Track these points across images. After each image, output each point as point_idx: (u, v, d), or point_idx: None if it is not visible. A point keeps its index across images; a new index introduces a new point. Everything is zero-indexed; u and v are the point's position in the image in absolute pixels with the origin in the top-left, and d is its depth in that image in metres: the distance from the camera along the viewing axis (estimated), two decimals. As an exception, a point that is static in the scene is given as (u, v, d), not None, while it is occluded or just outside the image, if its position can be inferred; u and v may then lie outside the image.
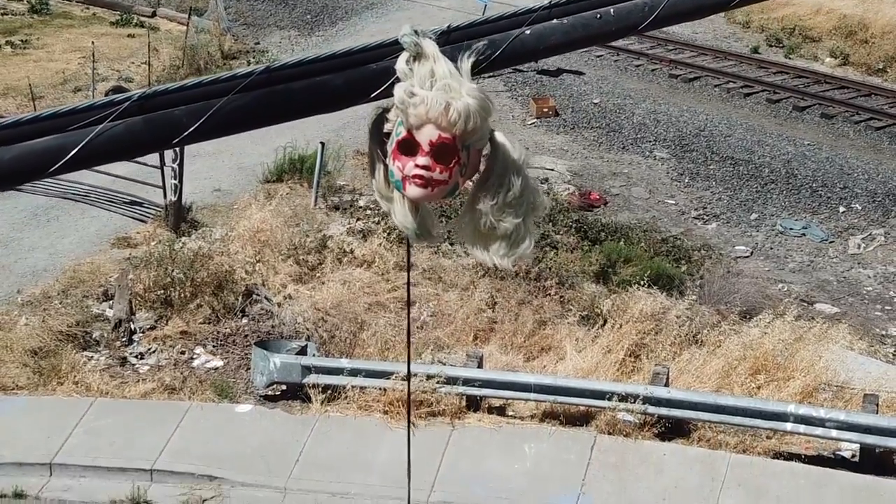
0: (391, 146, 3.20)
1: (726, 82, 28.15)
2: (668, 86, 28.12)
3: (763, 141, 25.09)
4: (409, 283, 5.35)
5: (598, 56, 29.35)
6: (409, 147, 3.14)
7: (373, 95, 3.10)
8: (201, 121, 2.77)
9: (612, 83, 28.08)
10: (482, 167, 3.26)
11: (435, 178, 3.14)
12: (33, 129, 2.76)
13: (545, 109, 26.39)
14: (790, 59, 30.00)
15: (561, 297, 18.46)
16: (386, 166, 3.24)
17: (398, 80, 3.09)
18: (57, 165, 2.72)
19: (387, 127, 3.23)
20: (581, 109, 26.67)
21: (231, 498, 14.07)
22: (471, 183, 3.29)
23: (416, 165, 3.13)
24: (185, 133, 2.78)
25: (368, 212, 21.23)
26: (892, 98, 27.20)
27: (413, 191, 3.18)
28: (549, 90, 27.66)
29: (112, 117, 2.74)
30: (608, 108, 26.72)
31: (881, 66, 29.07)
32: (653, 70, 28.96)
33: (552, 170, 23.70)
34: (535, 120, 26.30)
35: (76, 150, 2.70)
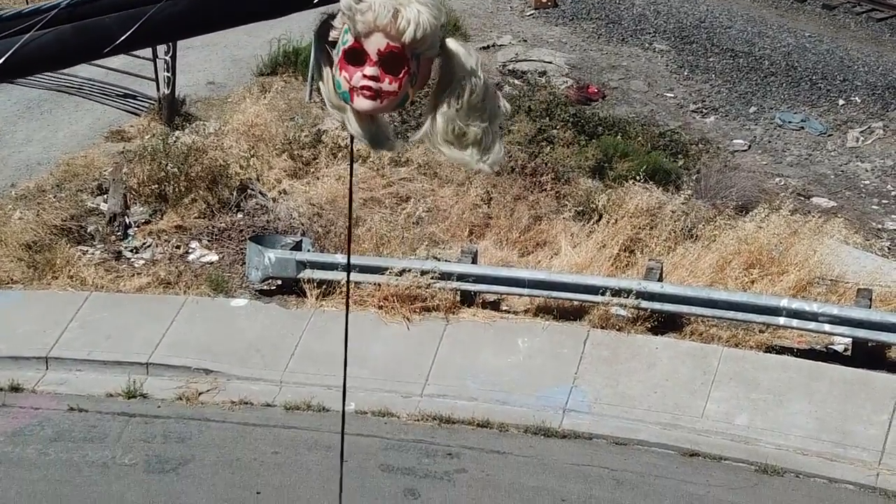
0: (337, 55, 3.08)
1: (728, -27, 27.70)
2: (668, -24, 27.68)
3: (763, 32, 24.76)
4: (350, 185, 5.24)
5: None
6: (356, 56, 3.03)
7: (316, 1, 2.97)
8: (133, 29, 2.65)
9: (612, -27, 27.63)
10: (434, 76, 3.16)
11: (384, 89, 3.04)
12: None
13: (544, 0, 26.00)
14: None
15: (557, 192, 18.39)
16: (333, 76, 3.14)
17: None
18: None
19: (332, 35, 3.11)
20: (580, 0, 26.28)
21: (227, 391, 14.19)
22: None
23: (364, 76, 3.03)
24: (117, 42, 2.66)
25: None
26: (896, -11, 26.78)
27: (361, 103, 3.08)
28: (548, -20, 27.21)
29: (40, 25, 2.62)
30: (608, -1, 26.34)
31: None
32: (653, -40, 28.47)
33: (550, 62, 23.42)
34: (534, 11, 25.92)
35: (3, 59, 2.59)
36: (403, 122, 17.94)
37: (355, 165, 18.84)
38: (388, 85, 3.03)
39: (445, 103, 3.16)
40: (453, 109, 3.15)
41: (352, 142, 3.51)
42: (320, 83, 3.26)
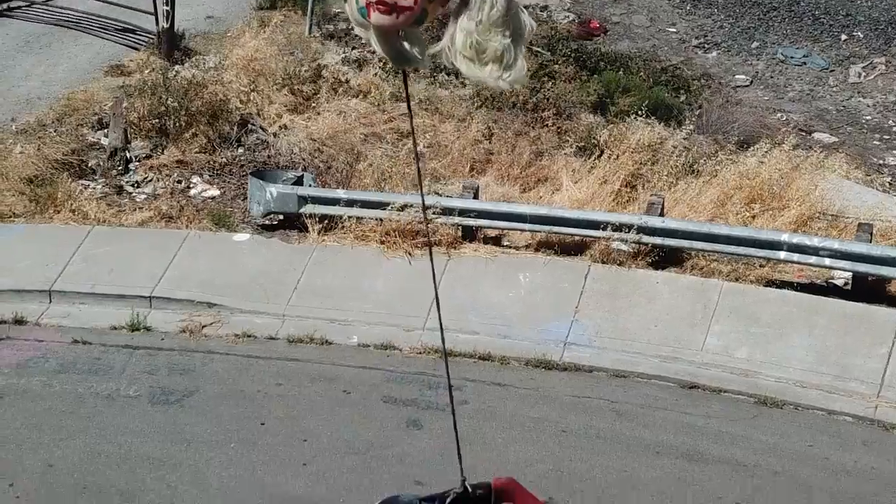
0: None
1: None
2: None
3: (766, -33, 24.58)
4: (409, 107, 5.19)
5: None
6: None
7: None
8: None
9: None
10: None
11: (400, 3, 3.02)
12: None
13: (545, -65, 25.72)
14: None
15: (558, 127, 18.37)
16: None
17: None
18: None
19: None
20: (582, -65, 26.02)
21: (230, 324, 14.26)
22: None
23: None
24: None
25: (364, 41, 20.93)
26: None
27: (378, 18, 3.07)
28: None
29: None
30: (610, -67, 26.08)
31: None
32: None
33: (551, -3, 23.26)
34: (535, -54, 25.68)
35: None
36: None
37: (356, 100, 18.79)
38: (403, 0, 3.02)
39: (465, 17, 3.15)
40: (473, 23, 3.14)
41: (405, 78, 3.48)
42: (345, 2, 3.25)
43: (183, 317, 14.37)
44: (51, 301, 14.64)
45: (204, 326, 14.22)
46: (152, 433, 12.10)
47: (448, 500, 5.13)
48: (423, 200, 5.57)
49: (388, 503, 5.04)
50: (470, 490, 4.88)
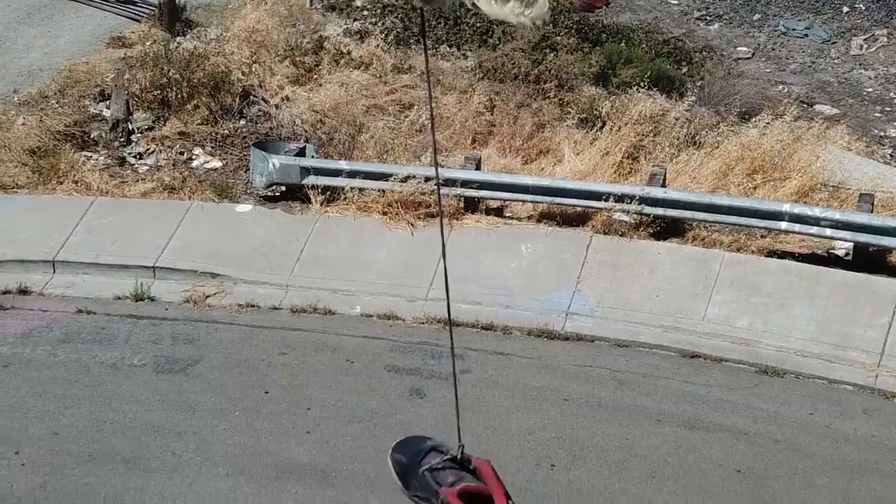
0: None
1: None
2: None
3: (769, -61, 24.51)
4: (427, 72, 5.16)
5: None
6: None
7: None
8: None
9: None
10: None
11: None
12: None
13: None
14: None
15: (560, 99, 18.37)
16: None
17: None
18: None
19: None
20: None
21: (233, 294, 14.32)
22: None
23: None
24: None
25: (365, 12, 20.93)
26: None
27: None
28: None
29: None
30: None
31: None
32: None
33: (553, -31, 23.22)
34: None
35: None
36: None
37: (357, 71, 18.79)
38: None
39: None
40: None
41: (423, 19, 3.49)
42: None
43: (186, 287, 14.42)
44: (55, 271, 14.69)
45: (207, 296, 14.28)
46: (157, 402, 12.17)
47: (446, 458, 5.27)
48: (436, 163, 5.55)
49: (403, 444, 5.17)
50: (465, 457, 5.03)
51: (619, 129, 17.05)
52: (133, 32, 19.94)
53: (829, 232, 14.19)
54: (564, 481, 10.99)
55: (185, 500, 10.64)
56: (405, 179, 15.47)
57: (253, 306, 14.11)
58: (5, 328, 13.48)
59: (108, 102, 17.71)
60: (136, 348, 13.14)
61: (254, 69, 18.51)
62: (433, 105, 18.09)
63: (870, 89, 20.16)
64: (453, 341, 5.48)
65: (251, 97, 18.12)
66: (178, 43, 18.81)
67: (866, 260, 14.33)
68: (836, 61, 20.93)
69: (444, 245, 4.41)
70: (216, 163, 17.04)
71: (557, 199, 15.31)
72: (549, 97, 18.38)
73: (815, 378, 12.90)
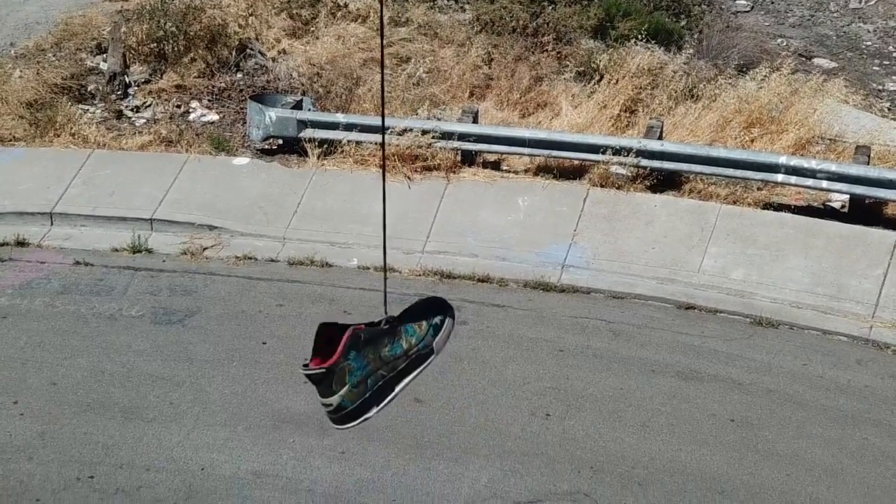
0: None
1: None
2: None
3: None
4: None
5: None
6: None
7: None
8: None
9: None
10: None
11: None
12: None
13: None
14: None
15: (558, 52, 18.31)
16: None
17: None
18: None
19: None
20: None
21: (231, 246, 14.36)
22: None
23: None
24: None
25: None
26: None
27: None
28: None
29: None
30: None
31: None
32: None
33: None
34: None
35: None
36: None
37: (354, 24, 18.71)
38: None
39: None
40: None
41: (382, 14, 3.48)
42: None
43: (184, 239, 14.46)
44: (52, 223, 14.72)
45: (205, 249, 14.33)
46: (155, 352, 12.24)
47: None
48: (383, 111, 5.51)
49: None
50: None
51: (617, 82, 17.02)
52: (129, -15, 19.84)
53: (825, 184, 14.21)
54: (559, 430, 11.07)
55: (182, 448, 10.73)
56: (402, 133, 15.46)
57: (250, 258, 14.16)
58: (4, 280, 13.54)
59: (104, 56, 17.67)
60: (133, 300, 13.20)
61: (250, 22, 18.45)
62: (431, 58, 18.05)
63: (868, 43, 20.09)
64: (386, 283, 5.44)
65: (248, 50, 18.07)
66: (174, -4, 18.73)
67: (862, 212, 14.35)
68: (834, 15, 20.84)
69: (384, 191, 4.32)
70: (213, 116, 17.02)
71: (555, 153, 15.32)
72: (546, 50, 18.33)
73: (809, 329, 12.96)
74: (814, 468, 10.63)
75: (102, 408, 11.32)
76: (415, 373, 4.18)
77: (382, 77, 4.16)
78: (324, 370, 4.00)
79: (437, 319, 4.21)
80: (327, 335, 4.13)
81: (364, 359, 4.10)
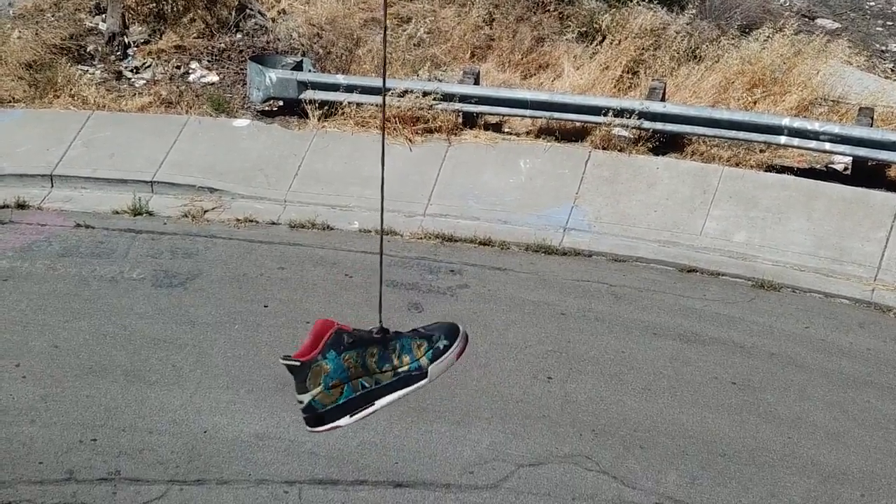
0: None
1: None
2: None
3: None
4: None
5: None
6: None
7: None
8: None
9: None
10: None
11: None
12: None
13: None
14: None
15: (560, 13, 18.19)
16: None
17: None
18: None
19: None
20: None
21: (232, 209, 14.33)
22: None
23: None
24: None
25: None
26: None
27: None
28: None
29: None
30: None
31: None
32: None
33: None
34: None
35: None
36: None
37: (355, -15, 18.57)
38: None
39: None
40: None
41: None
42: None
43: (185, 201, 14.42)
44: (52, 185, 14.68)
45: (206, 211, 14.30)
46: (156, 315, 12.23)
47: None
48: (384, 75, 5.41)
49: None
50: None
51: (619, 43, 16.92)
52: (127, -56, 19.66)
53: (827, 146, 14.15)
54: (561, 393, 11.09)
55: (185, 411, 10.75)
56: (403, 94, 15.38)
57: (251, 221, 14.13)
58: (4, 242, 13.51)
59: (103, 16, 17.54)
60: (134, 262, 13.18)
61: (250, -18, 18.30)
62: (432, 18, 17.93)
63: (872, 3, 19.96)
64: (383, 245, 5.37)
65: (247, 10, 17.95)
66: (172, -45, 18.57)
67: (865, 174, 14.31)
68: (838, -25, 20.70)
69: (383, 152, 4.20)
70: (213, 77, 16.93)
71: (556, 115, 15.25)
72: (548, 11, 18.20)
73: (811, 292, 12.96)
74: (815, 431, 10.65)
75: (104, 371, 11.32)
76: (400, 393, 3.90)
77: (385, 38, 4.11)
78: (298, 363, 3.86)
79: (441, 344, 3.93)
80: (321, 331, 3.95)
81: (343, 362, 3.89)
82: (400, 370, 3.96)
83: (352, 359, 3.89)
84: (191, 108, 16.01)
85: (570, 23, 17.79)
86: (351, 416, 3.92)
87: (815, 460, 10.28)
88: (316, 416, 3.88)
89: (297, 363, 3.84)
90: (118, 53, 17.01)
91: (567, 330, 12.13)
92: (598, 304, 12.61)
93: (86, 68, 16.81)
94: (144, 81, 16.71)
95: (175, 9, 17.45)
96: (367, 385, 3.90)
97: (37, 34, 16.83)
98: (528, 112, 15.35)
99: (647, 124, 14.77)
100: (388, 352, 3.94)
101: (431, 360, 3.99)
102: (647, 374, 11.40)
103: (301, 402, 3.84)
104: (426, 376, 3.95)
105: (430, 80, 16.15)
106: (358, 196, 14.56)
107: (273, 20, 17.84)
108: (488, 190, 14.58)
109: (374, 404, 3.95)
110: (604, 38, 17.16)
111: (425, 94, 15.41)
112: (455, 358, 4.00)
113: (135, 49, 17.20)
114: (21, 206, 14.21)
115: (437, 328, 4.02)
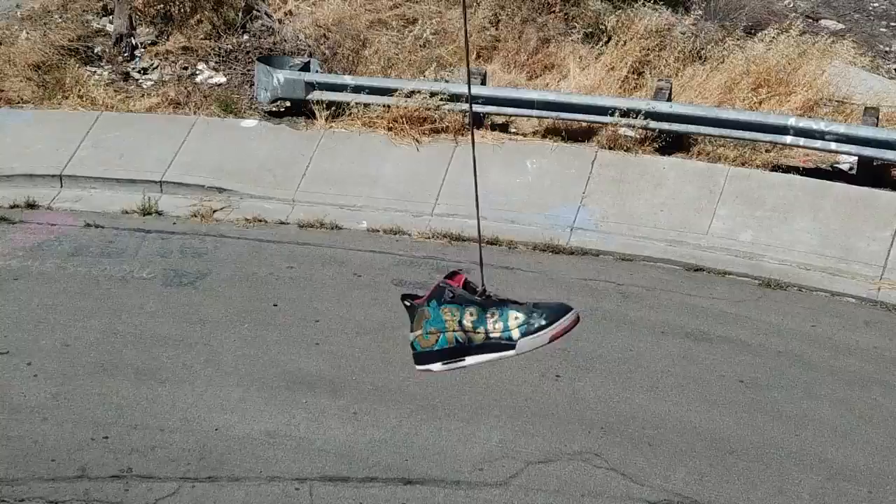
0: None
1: None
2: None
3: None
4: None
5: None
6: None
7: None
8: None
9: None
10: None
11: None
12: None
13: None
14: None
15: (565, 14, 18.27)
16: None
17: None
18: None
19: None
20: None
21: (241, 209, 14.41)
22: None
23: None
24: None
25: None
26: None
27: None
28: None
29: None
30: None
31: None
32: None
33: None
34: None
35: None
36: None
37: (362, -14, 18.65)
38: None
39: None
40: None
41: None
42: None
43: (194, 202, 14.50)
44: (62, 185, 14.76)
45: (215, 211, 14.38)
46: (167, 314, 12.30)
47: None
48: (469, 80, 5.49)
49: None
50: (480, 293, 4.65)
51: (625, 43, 16.99)
52: (135, -54, 19.74)
53: (833, 146, 14.21)
54: (569, 391, 11.16)
55: (196, 409, 10.82)
56: (410, 95, 15.46)
57: (260, 221, 14.21)
58: (15, 242, 13.59)
59: (111, 17, 17.63)
60: (144, 262, 13.26)
61: (257, -17, 18.38)
62: (438, 19, 18.00)
63: (876, 4, 20.03)
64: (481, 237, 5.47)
65: (254, 11, 18.03)
66: (180, -44, 18.64)
67: (870, 174, 14.37)
68: (842, -24, 20.77)
69: (474, 160, 4.36)
70: (220, 78, 17.01)
71: (563, 115, 15.31)
72: (554, 12, 18.28)
73: (817, 291, 13.03)
74: (822, 428, 10.72)
75: (115, 369, 11.39)
76: (489, 356, 4.15)
77: (465, 22, 4.17)
78: (408, 304, 4.15)
79: (537, 323, 4.17)
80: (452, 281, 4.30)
81: (442, 314, 4.19)
82: (492, 336, 4.30)
83: (450, 313, 4.24)
84: (199, 108, 16.09)
85: (575, 24, 17.87)
86: (444, 364, 4.26)
87: (822, 457, 10.35)
88: (415, 355, 4.23)
89: (407, 303, 4.20)
90: (126, 55, 17.10)
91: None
92: (605, 303, 12.68)
93: (94, 69, 16.89)
94: (152, 82, 16.80)
95: (182, 10, 17.53)
96: (460, 340, 4.23)
97: (45, 35, 16.92)
98: (535, 112, 15.41)
99: (653, 124, 14.84)
100: (486, 315, 4.28)
101: (523, 335, 4.29)
102: (655, 373, 11.46)
103: (409, 340, 4.28)
104: (514, 348, 4.27)
105: (436, 81, 16.21)
106: (366, 196, 14.64)
107: (280, 21, 17.91)
108: (495, 189, 14.64)
109: (464, 360, 4.28)
110: (609, 38, 17.23)
111: (433, 94, 15.49)
112: (549, 339, 4.32)
113: (142, 50, 17.28)
114: (31, 205, 14.29)
115: (544, 307, 4.36)
